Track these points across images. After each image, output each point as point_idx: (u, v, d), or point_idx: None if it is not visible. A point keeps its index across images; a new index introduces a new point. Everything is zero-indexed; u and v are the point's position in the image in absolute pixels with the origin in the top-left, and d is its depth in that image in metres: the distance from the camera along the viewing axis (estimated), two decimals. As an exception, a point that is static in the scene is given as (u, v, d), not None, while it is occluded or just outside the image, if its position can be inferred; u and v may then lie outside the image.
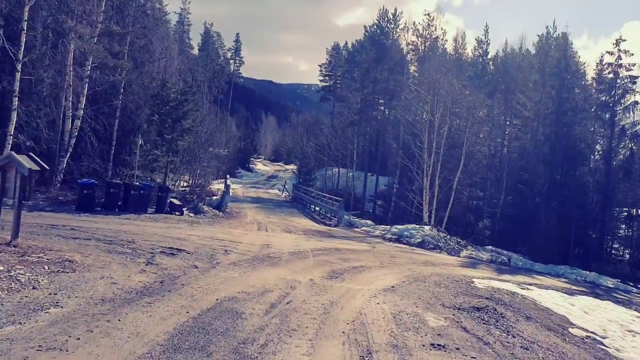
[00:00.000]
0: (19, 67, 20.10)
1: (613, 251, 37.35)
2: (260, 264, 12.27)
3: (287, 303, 8.54)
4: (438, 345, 7.13)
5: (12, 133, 20.22)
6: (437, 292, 11.52)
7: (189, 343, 6.05)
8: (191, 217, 22.62)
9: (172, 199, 23.13)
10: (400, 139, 38.20)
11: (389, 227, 26.50)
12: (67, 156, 25.06)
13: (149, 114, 28.47)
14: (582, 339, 10.51)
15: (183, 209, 23.10)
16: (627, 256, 36.64)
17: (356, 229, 26.36)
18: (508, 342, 7.99)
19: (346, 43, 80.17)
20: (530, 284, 16.90)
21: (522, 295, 13.75)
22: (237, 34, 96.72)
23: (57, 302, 7.11)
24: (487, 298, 11.89)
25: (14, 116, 20.27)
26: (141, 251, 12.20)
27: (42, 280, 8.31)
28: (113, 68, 27.24)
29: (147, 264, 10.77)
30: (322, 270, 12.26)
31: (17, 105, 20.44)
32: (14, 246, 11.00)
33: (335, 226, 26.45)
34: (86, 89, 25.94)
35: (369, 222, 29.75)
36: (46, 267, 9.28)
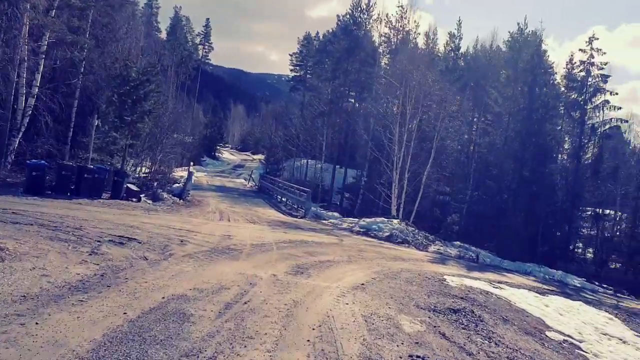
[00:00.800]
0: (-38, 35, 18.48)
1: (577, 250, 37.43)
2: (219, 257, 11.21)
3: (245, 303, 7.48)
4: (417, 357, 6.18)
5: (-48, 107, 18.61)
6: (409, 291, 10.67)
7: (117, 355, 4.93)
8: (149, 204, 21.37)
9: (129, 185, 21.85)
10: (370, 132, 37.42)
11: (357, 219, 25.68)
12: (19, 136, 23.45)
13: (110, 95, 27.05)
14: (560, 343, 9.93)
15: (141, 195, 21.85)
16: (589, 255, 36.77)
17: (323, 221, 25.46)
18: (493, 353, 7.13)
19: (317, 33, 79.05)
20: (500, 282, 16.39)
21: (496, 295, 13.11)
22: (207, 19, 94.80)
23: (-36, 300, 5.95)
24: (461, 298, 11.13)
25: (-45, 89, 18.64)
26: (87, 239, 11.01)
27: (-43, 271, 7.13)
28: (71, 44, 25.62)
29: (90, 254, 9.63)
30: (286, 265, 11.27)
31: (-41, 77, 18.81)
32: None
33: (302, 218, 25.49)
34: (42, 66, 24.31)
35: (336, 214, 28.88)
36: (-32, 256, 8.08)
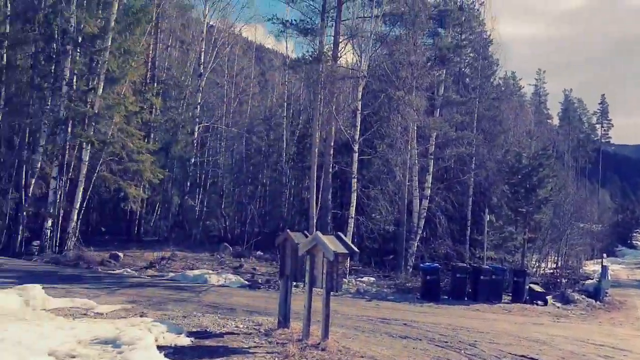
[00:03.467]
0: (356, 147, 19.54)
1: None
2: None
3: None
4: None
5: (353, 215, 19.53)
6: None
7: None
8: (557, 308, 17.93)
9: (531, 285, 18.98)
10: None
11: None
12: (417, 239, 23.61)
13: (501, 187, 25.63)
14: None
15: (547, 297, 18.67)
16: None
17: None
18: None
19: None
20: None
21: None
22: (603, 95, 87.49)
23: None
24: None
25: (354, 198, 19.62)
26: (480, 360, 8.69)
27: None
28: (456, 140, 25.37)
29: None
30: None
31: (357, 186, 19.77)
32: (322, 349, 8.81)
33: None
34: (432, 166, 24.51)
35: None
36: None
